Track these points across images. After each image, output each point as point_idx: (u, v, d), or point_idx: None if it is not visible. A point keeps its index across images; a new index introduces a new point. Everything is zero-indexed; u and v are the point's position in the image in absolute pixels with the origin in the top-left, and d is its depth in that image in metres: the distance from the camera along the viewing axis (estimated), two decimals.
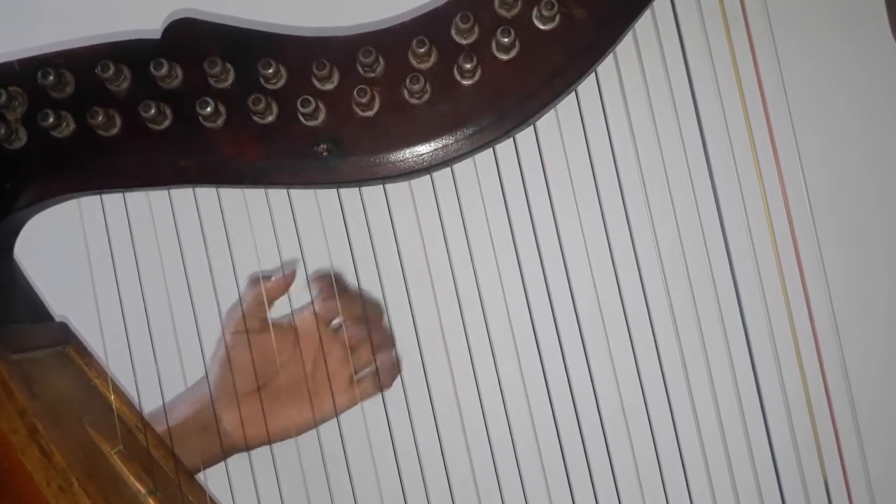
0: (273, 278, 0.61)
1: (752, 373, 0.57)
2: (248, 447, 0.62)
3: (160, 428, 0.58)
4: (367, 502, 0.60)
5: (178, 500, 0.54)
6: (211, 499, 0.56)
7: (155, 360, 0.56)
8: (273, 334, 0.61)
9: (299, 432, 0.62)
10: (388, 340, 0.64)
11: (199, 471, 0.59)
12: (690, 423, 0.59)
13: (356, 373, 0.63)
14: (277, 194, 0.56)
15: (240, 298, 0.61)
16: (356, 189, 0.54)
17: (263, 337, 0.61)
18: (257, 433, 0.61)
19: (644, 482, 0.60)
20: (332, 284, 0.61)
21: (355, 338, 0.62)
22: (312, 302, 0.63)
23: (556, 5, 0.49)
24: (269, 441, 0.61)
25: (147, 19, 0.55)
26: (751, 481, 0.59)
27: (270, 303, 0.61)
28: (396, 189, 0.54)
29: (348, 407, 0.63)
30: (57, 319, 0.58)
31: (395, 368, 0.63)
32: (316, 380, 0.63)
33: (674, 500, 0.57)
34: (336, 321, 0.63)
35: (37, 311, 0.58)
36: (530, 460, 0.59)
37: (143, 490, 0.53)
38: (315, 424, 0.62)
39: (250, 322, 0.60)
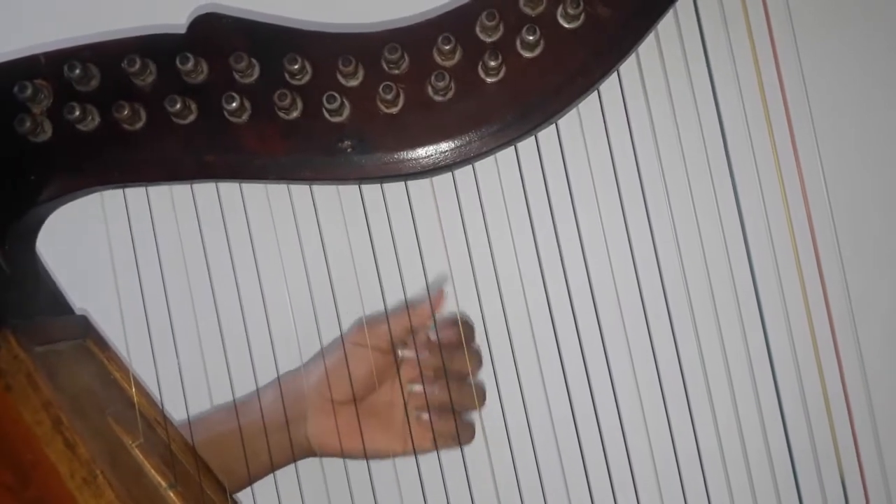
0: (423, 305, 0.61)
1: (770, 373, 0.57)
2: (327, 455, 0.62)
3: (231, 424, 0.59)
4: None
5: (197, 495, 0.54)
6: (231, 495, 0.57)
7: (176, 354, 0.56)
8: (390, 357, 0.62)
9: (376, 458, 0.61)
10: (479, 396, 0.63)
11: (270, 471, 0.60)
12: (709, 423, 0.59)
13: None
14: (299, 189, 0.56)
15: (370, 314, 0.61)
16: (378, 186, 0.54)
17: (379, 356, 0.61)
18: (341, 445, 0.61)
19: (662, 482, 0.60)
20: (459, 332, 0.61)
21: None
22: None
23: (581, 4, 0.50)
24: (343, 456, 0.61)
25: (173, 14, 0.55)
26: (769, 481, 0.59)
27: (416, 330, 0.61)
28: (418, 186, 0.54)
29: (427, 451, 0.61)
30: (77, 312, 0.59)
31: (472, 429, 0.62)
32: (408, 412, 0.62)
33: (692, 499, 0.57)
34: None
35: (58, 303, 0.58)
36: (549, 460, 0.59)
37: (164, 483, 0.53)
38: (398, 455, 0.61)
39: (379, 342, 0.61)
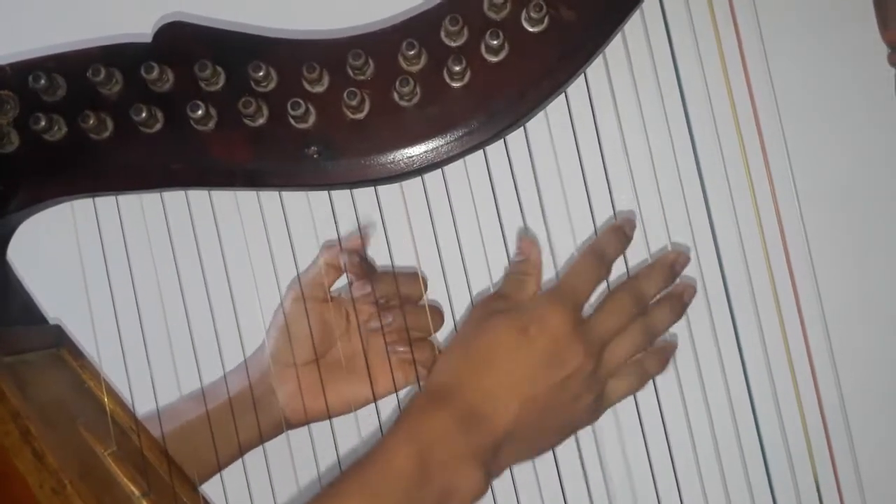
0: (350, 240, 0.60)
1: (742, 373, 0.57)
2: (307, 420, 0.61)
3: (199, 410, 0.58)
4: None
5: (171, 502, 0.54)
6: (205, 500, 0.57)
7: (148, 361, 0.56)
8: (332, 306, 0.60)
9: (357, 407, 0.61)
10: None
11: (255, 445, 0.59)
12: (682, 426, 0.59)
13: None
14: (269, 196, 0.56)
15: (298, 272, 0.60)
16: (348, 191, 0.54)
17: (323, 307, 0.60)
18: (315, 406, 0.60)
19: (635, 483, 0.60)
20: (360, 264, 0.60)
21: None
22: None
23: (544, 7, 0.50)
24: (320, 417, 0.61)
25: (138, 23, 0.55)
26: (742, 485, 0.59)
27: (340, 270, 0.60)
28: (388, 191, 0.54)
29: (406, 385, 0.61)
30: (51, 322, 0.59)
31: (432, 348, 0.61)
32: (371, 357, 0.61)
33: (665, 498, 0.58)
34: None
35: (30, 313, 0.58)
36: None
37: (136, 492, 0.53)
38: (374, 400, 0.60)
39: (314, 291, 0.60)
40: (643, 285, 0.54)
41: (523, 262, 0.55)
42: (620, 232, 0.55)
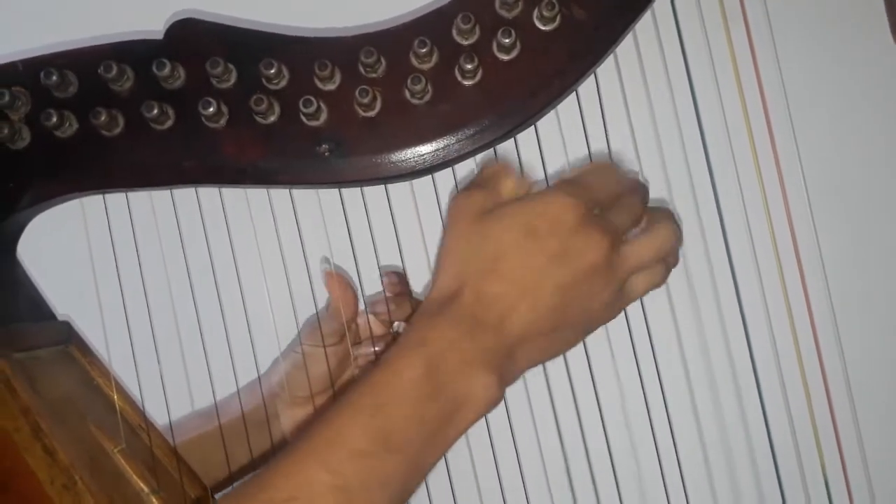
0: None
1: (752, 371, 0.57)
2: None
3: (211, 425, 0.58)
4: None
5: (180, 499, 0.54)
6: (213, 498, 0.57)
7: (157, 358, 0.56)
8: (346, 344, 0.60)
9: None
10: None
11: (254, 468, 0.59)
12: (691, 422, 0.59)
13: None
14: (279, 194, 0.56)
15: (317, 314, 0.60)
16: (358, 189, 0.54)
17: (338, 349, 0.60)
18: None
19: (644, 480, 0.60)
20: (403, 283, 0.59)
21: None
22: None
23: (556, 6, 0.50)
24: None
25: (150, 20, 0.55)
26: (750, 480, 0.59)
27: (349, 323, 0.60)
28: (398, 189, 0.54)
29: None
30: (60, 318, 0.59)
31: None
32: None
33: (674, 497, 0.58)
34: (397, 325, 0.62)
35: (39, 309, 0.58)
36: (531, 462, 0.59)
37: (146, 489, 0.53)
38: None
39: (330, 339, 0.60)
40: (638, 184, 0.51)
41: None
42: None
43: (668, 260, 0.50)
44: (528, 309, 0.46)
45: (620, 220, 0.48)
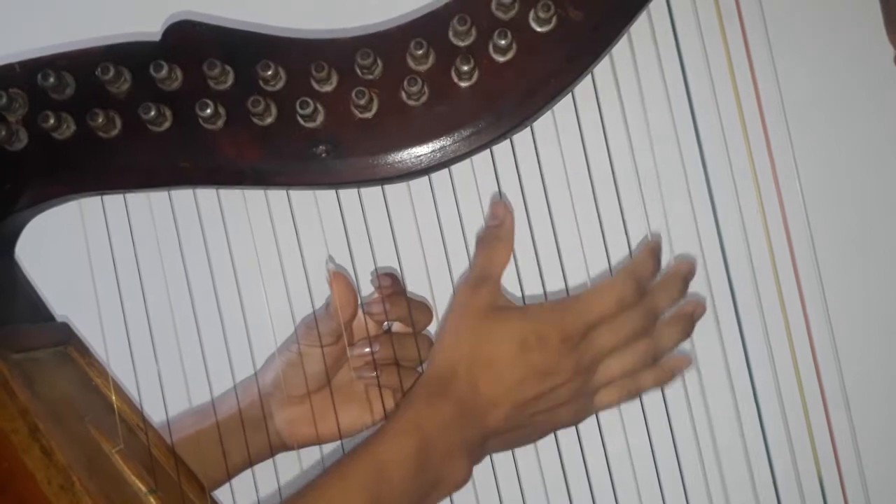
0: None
1: (748, 375, 0.57)
2: (298, 446, 0.62)
3: (205, 423, 0.58)
4: None
5: (178, 499, 0.54)
6: (212, 498, 0.57)
7: (155, 359, 0.57)
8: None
9: (351, 435, 0.61)
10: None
11: (248, 465, 0.60)
12: (686, 423, 0.59)
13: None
14: (277, 195, 0.56)
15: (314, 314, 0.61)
16: (355, 190, 0.55)
17: (334, 348, 0.61)
18: (314, 433, 0.61)
19: (640, 478, 0.60)
20: (397, 284, 0.60)
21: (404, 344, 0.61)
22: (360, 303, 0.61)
23: (552, 7, 0.50)
24: (319, 442, 0.61)
25: (147, 22, 0.55)
26: (747, 482, 0.59)
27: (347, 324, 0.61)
28: (395, 190, 0.55)
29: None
30: (58, 319, 0.59)
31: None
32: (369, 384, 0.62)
33: (669, 497, 0.58)
34: (387, 324, 0.62)
35: (38, 311, 0.58)
36: (528, 463, 0.60)
37: (144, 489, 0.53)
38: (369, 426, 0.61)
39: (327, 339, 0.60)
40: (658, 300, 0.55)
41: (497, 227, 0.56)
42: (656, 255, 0.55)
43: (641, 384, 0.55)
44: (509, 408, 0.53)
45: (607, 342, 0.54)
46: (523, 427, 0.54)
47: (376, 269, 0.60)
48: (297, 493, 0.52)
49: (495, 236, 0.56)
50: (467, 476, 0.53)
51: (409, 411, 0.53)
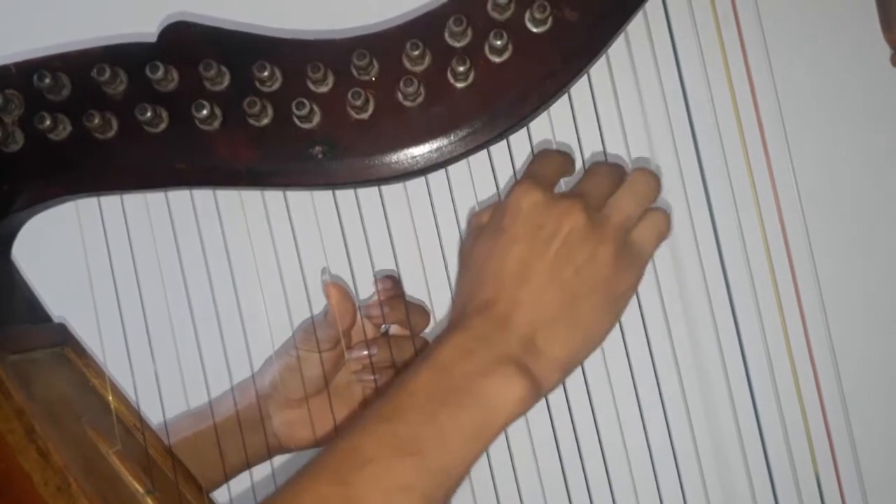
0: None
1: (744, 374, 0.57)
2: (296, 448, 0.62)
3: (203, 424, 0.58)
4: None
5: (175, 499, 0.54)
6: (209, 498, 0.57)
7: (153, 359, 0.57)
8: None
9: None
10: None
11: (246, 467, 0.60)
12: (684, 421, 0.59)
13: None
14: (273, 196, 0.56)
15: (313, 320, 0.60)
16: (352, 191, 0.55)
17: (332, 353, 0.61)
18: (306, 436, 0.61)
19: (636, 477, 0.60)
20: (397, 287, 0.60)
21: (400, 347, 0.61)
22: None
23: (548, 8, 0.50)
24: (317, 445, 0.61)
25: (143, 22, 0.55)
26: (744, 481, 0.59)
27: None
28: (391, 191, 0.55)
29: None
30: (55, 320, 0.59)
31: None
32: (366, 385, 0.62)
33: (667, 497, 0.58)
34: (385, 327, 0.62)
35: (35, 311, 0.58)
36: (525, 462, 0.60)
37: (141, 489, 0.53)
38: None
39: (325, 346, 0.60)
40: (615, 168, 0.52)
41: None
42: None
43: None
44: (531, 295, 0.46)
45: (593, 185, 0.49)
46: (573, 306, 0.47)
47: (375, 272, 0.60)
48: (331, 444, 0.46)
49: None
50: (523, 388, 0.45)
51: (421, 357, 0.47)
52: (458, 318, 0.48)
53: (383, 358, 0.60)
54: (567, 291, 0.47)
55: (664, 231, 0.50)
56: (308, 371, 0.60)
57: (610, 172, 0.51)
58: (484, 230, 0.50)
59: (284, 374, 0.60)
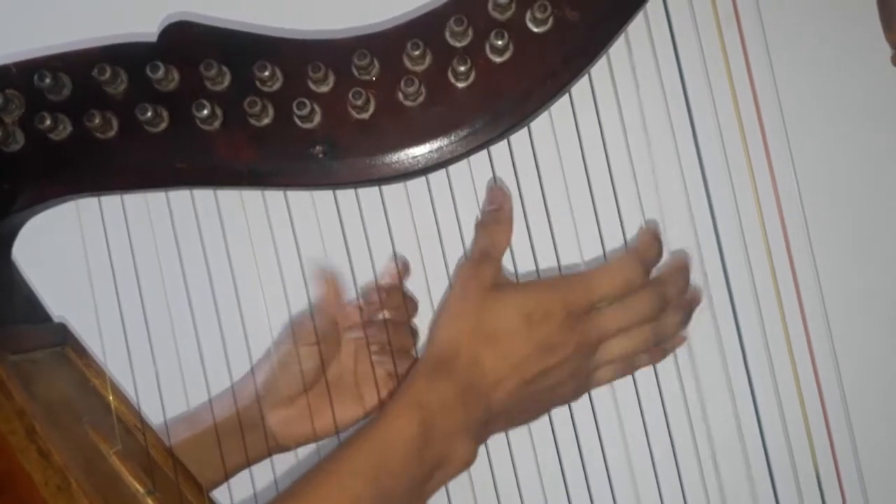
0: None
1: (745, 372, 0.57)
2: (295, 446, 0.62)
3: (199, 427, 0.59)
4: None
5: (176, 499, 0.54)
6: (210, 498, 0.57)
7: (153, 359, 0.57)
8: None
9: (344, 429, 0.61)
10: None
11: (245, 466, 0.60)
12: (683, 419, 0.59)
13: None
14: (274, 195, 0.56)
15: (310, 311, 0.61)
16: (352, 191, 0.54)
17: (328, 346, 0.61)
18: (307, 431, 0.61)
19: (636, 475, 0.60)
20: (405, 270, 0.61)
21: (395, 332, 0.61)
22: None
23: (549, 8, 0.50)
24: (314, 439, 0.62)
25: (143, 22, 0.55)
26: (745, 480, 0.59)
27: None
28: (392, 190, 0.55)
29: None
30: (55, 320, 0.59)
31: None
32: (358, 375, 0.62)
33: (667, 495, 0.58)
34: (382, 315, 0.62)
35: (35, 311, 0.58)
36: (525, 462, 0.60)
37: (141, 489, 0.53)
38: (361, 419, 0.62)
39: (311, 338, 0.60)
40: (668, 289, 0.54)
41: (496, 211, 0.56)
42: (658, 239, 0.55)
43: (639, 363, 0.55)
44: (514, 386, 0.52)
45: (613, 323, 0.53)
46: (526, 404, 0.53)
47: (374, 271, 0.60)
48: (300, 478, 0.51)
49: (495, 219, 0.55)
50: (473, 456, 0.51)
51: (411, 391, 0.52)
52: (451, 358, 0.52)
53: (381, 340, 0.60)
54: (531, 399, 0.53)
55: (621, 377, 0.56)
56: (297, 367, 0.60)
57: (641, 312, 0.54)
58: (511, 300, 0.52)
59: (274, 373, 0.60)
